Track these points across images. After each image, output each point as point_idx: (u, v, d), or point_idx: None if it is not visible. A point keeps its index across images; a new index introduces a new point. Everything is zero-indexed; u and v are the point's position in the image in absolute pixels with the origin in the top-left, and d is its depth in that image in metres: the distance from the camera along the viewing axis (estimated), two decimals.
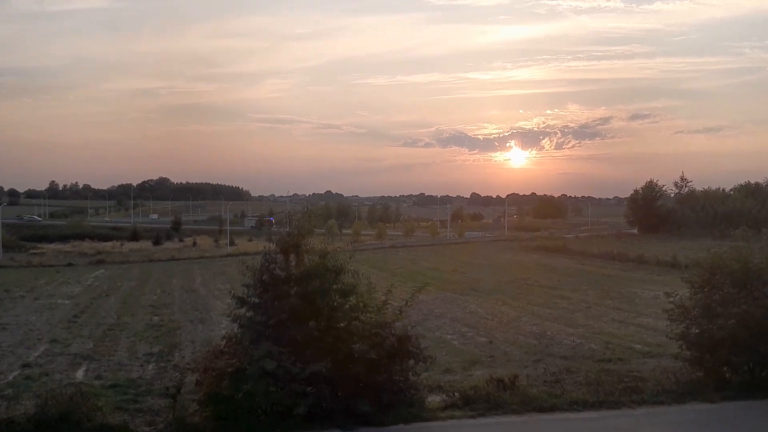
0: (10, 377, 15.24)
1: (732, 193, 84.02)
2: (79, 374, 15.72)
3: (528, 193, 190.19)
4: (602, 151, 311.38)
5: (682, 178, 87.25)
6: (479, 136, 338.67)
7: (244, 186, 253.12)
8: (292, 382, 10.75)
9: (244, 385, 10.58)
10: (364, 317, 11.69)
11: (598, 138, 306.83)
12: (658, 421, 11.74)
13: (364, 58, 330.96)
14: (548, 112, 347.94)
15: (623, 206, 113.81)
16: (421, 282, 22.54)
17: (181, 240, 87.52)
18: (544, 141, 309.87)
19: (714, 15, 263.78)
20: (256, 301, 11.83)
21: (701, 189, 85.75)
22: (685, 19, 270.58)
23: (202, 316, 25.28)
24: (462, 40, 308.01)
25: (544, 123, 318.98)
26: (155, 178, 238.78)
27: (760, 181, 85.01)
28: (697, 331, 13.32)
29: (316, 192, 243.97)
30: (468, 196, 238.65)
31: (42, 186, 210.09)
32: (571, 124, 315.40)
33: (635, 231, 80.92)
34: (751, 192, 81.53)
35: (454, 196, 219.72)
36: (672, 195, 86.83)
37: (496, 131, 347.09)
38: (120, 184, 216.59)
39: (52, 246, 76.74)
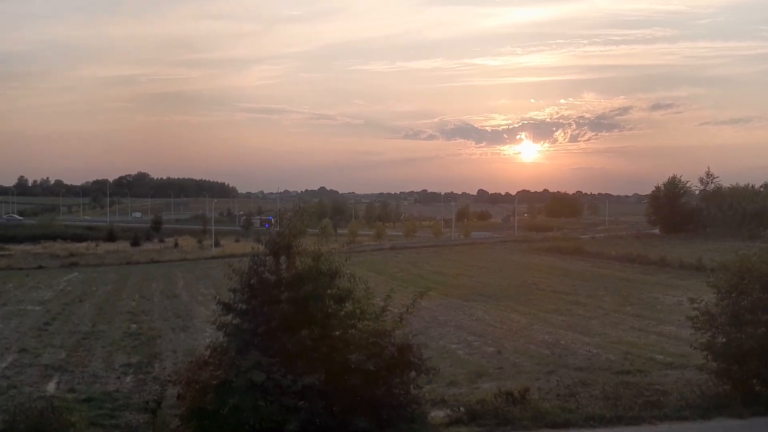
0: None
1: (762, 189, 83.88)
2: (51, 387, 15.73)
3: (540, 189, 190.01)
4: (621, 144, 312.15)
5: (707, 174, 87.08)
6: (487, 128, 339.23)
7: (231, 182, 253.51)
8: (282, 396, 10.75)
9: (231, 398, 10.57)
10: (361, 325, 11.68)
11: (616, 130, 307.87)
12: None
13: (362, 43, 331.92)
14: (562, 101, 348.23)
15: (643, 204, 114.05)
16: (424, 287, 22.48)
17: (161, 241, 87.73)
18: (557, 133, 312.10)
19: None
20: (244, 307, 11.84)
21: (728, 185, 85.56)
22: (711, 0, 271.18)
23: (185, 323, 25.31)
24: (468, 23, 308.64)
25: (557, 113, 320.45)
26: (133, 173, 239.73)
27: None
28: (724, 340, 13.32)
29: (308, 188, 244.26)
30: (474, 193, 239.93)
31: (10, 182, 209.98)
32: (587, 115, 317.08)
33: (656, 231, 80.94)
34: None
35: (460, 193, 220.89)
36: (697, 192, 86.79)
37: (505, 122, 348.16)
38: (95, 179, 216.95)
39: (20, 247, 76.79)
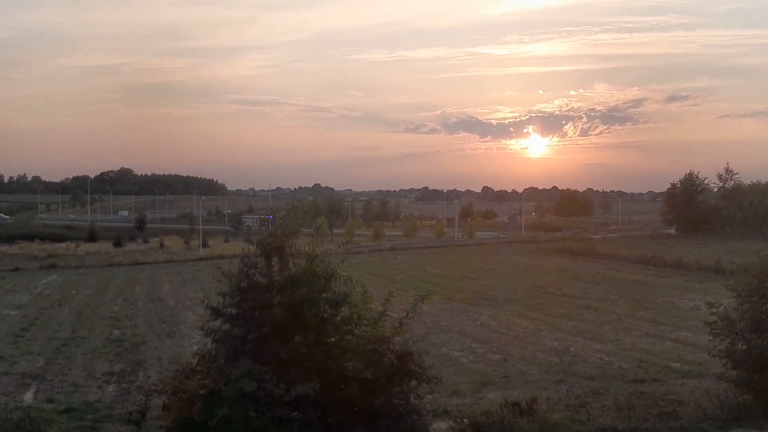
0: None
1: None
2: (28, 397, 15.74)
3: (548, 187, 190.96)
4: (634, 139, 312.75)
5: (726, 170, 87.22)
6: (492, 121, 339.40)
7: (219, 178, 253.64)
8: (274, 407, 10.74)
9: (220, 409, 10.57)
10: (358, 331, 11.69)
11: (629, 123, 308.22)
12: None
13: (359, 31, 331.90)
14: (572, 93, 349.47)
15: (658, 202, 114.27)
16: (425, 290, 22.56)
17: (146, 241, 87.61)
18: (567, 126, 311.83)
19: None
20: (234, 312, 11.83)
21: (749, 182, 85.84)
22: None
23: (171, 329, 25.33)
24: (472, 10, 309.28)
25: (567, 105, 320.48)
26: (116, 169, 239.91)
27: None
28: (745, 347, 13.34)
29: (302, 185, 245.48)
30: (479, 191, 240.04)
31: None
32: (599, 107, 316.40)
33: (672, 231, 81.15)
34: None
35: (463, 190, 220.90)
36: (715, 189, 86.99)
37: (512, 115, 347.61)
38: (75, 176, 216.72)
39: None
